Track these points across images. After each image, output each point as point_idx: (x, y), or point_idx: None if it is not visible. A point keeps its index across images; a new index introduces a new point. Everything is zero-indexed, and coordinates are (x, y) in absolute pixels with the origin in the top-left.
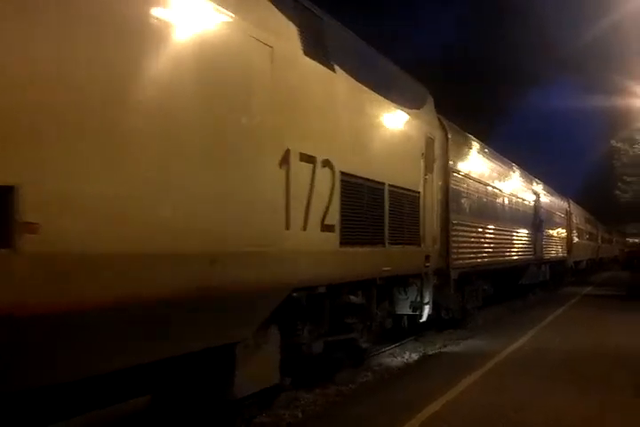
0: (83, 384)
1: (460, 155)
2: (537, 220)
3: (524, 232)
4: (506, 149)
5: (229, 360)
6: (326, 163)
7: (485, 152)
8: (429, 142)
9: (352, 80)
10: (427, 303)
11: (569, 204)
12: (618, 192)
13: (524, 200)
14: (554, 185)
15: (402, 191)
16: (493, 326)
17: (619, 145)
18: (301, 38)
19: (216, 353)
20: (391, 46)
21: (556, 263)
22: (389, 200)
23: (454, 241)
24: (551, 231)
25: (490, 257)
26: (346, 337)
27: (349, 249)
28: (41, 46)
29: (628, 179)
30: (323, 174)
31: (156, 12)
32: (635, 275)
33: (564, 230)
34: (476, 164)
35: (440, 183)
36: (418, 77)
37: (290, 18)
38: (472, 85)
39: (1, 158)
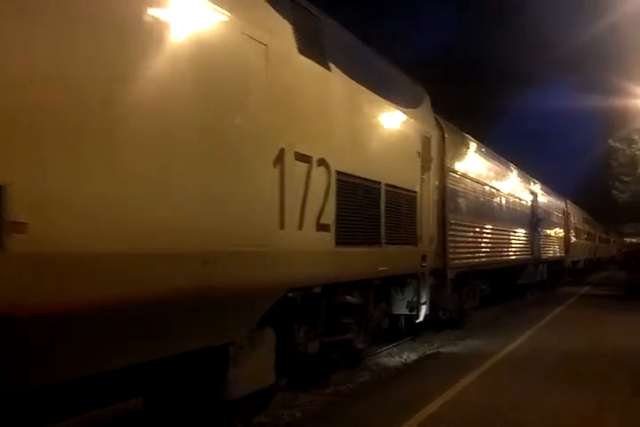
0: (68, 387)
1: (457, 154)
2: (534, 219)
3: (521, 232)
4: (504, 148)
5: (223, 361)
6: (322, 162)
7: (482, 152)
8: (426, 142)
9: (348, 79)
10: (423, 303)
11: (566, 203)
12: (615, 192)
13: (521, 200)
14: (551, 185)
15: (398, 191)
16: (491, 326)
17: (616, 145)
18: (297, 37)
19: (210, 354)
20: (390, 46)
21: (554, 263)
22: (386, 200)
23: (451, 241)
24: (549, 231)
25: (487, 257)
26: (342, 338)
27: (345, 249)
28: (41, 46)
29: (626, 179)
30: (318, 174)
31: (150, 10)
32: (632, 275)
33: (562, 230)
34: (473, 163)
35: (437, 183)
36: (416, 77)
37: (285, 16)
38: (469, 85)
39: None
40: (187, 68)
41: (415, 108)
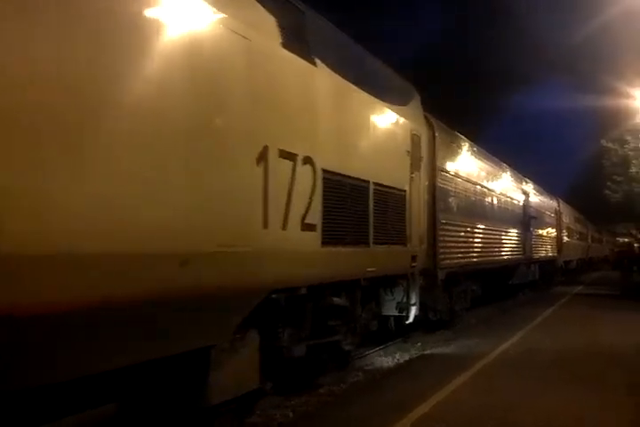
0: (39, 392)
1: (448, 153)
2: (526, 219)
3: (513, 232)
4: (496, 148)
5: (204, 365)
6: (307, 160)
7: (474, 151)
8: (416, 140)
9: (334, 75)
10: (413, 304)
11: (559, 203)
12: (608, 192)
13: (513, 200)
14: (544, 185)
15: (387, 190)
16: (483, 326)
17: (609, 145)
18: (280, 31)
19: (190, 357)
20: (384, 46)
21: (546, 263)
22: (374, 199)
23: (442, 241)
24: (541, 231)
25: (478, 257)
26: (329, 340)
27: (332, 249)
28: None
29: (618, 179)
30: (304, 172)
31: (133, 6)
32: (625, 275)
33: (554, 230)
34: (464, 162)
35: (427, 182)
36: (409, 77)
37: (269, 10)
38: (463, 85)
39: None
40: (164, 63)
41: (404, 105)
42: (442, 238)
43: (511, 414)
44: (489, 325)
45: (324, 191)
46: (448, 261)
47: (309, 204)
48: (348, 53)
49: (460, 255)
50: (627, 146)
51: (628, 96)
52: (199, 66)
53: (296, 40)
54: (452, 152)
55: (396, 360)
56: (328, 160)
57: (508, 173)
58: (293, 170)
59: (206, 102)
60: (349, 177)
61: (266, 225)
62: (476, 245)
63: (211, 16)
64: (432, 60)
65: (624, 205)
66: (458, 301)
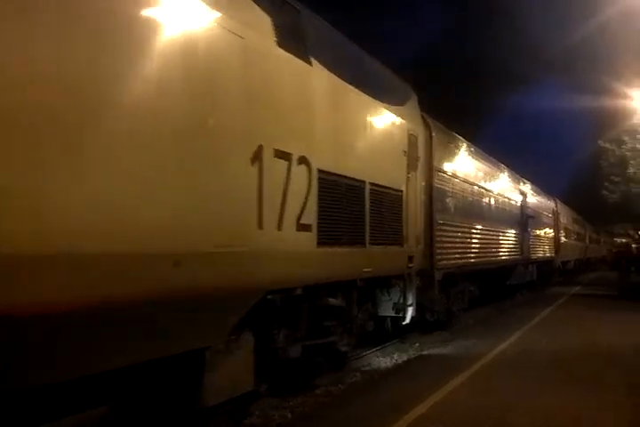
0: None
1: (445, 153)
2: (524, 220)
3: (510, 232)
4: (494, 148)
5: (199, 366)
6: (303, 160)
7: (471, 151)
8: (412, 140)
9: (330, 74)
10: (410, 305)
11: (556, 204)
12: (605, 192)
13: (510, 200)
14: (541, 185)
15: (383, 190)
16: (480, 326)
17: (606, 145)
18: (275, 30)
19: (185, 359)
20: (382, 46)
21: (544, 263)
22: (370, 199)
23: (439, 241)
24: (538, 231)
25: (476, 257)
26: (325, 341)
27: (328, 249)
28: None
29: (616, 179)
30: (299, 172)
31: (130, 4)
32: (623, 275)
33: (552, 230)
34: (461, 163)
35: (424, 182)
36: (407, 77)
37: (264, 9)
38: (461, 85)
39: None
40: (167, 64)
41: (401, 105)
42: (439, 239)
43: (509, 414)
44: (486, 325)
45: (319, 191)
46: (445, 262)
47: (305, 204)
48: (344, 53)
49: (457, 256)
50: (624, 146)
51: (625, 96)
52: (195, 65)
53: (292, 39)
54: (450, 152)
55: (393, 361)
56: (324, 160)
57: (506, 173)
58: (288, 170)
59: (201, 102)
60: (345, 177)
61: (260, 225)
62: (473, 245)
63: (206, 15)
64: (432, 60)
65: (622, 206)
66: (455, 301)
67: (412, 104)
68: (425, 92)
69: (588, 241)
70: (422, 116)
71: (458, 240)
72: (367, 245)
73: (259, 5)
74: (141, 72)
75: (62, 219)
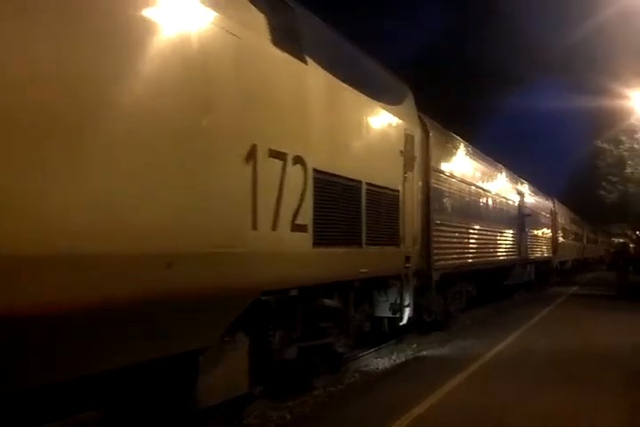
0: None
1: (443, 153)
2: (522, 220)
3: (508, 232)
4: (492, 148)
5: (193, 368)
6: (298, 160)
7: (469, 151)
8: (409, 140)
9: (326, 73)
10: (407, 306)
11: (554, 204)
12: (603, 192)
13: (508, 200)
14: (539, 185)
15: (380, 190)
16: (478, 327)
17: (604, 145)
18: (271, 28)
19: (178, 361)
20: (380, 46)
21: (542, 263)
22: (366, 199)
23: (436, 241)
24: (536, 231)
25: (473, 258)
26: (321, 342)
27: (323, 250)
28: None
29: (613, 179)
30: (294, 172)
31: (129, 4)
32: (621, 275)
33: (549, 230)
34: (458, 162)
35: (421, 182)
36: (405, 78)
37: (259, 7)
38: (460, 86)
39: None
40: (165, 64)
41: (398, 105)
42: (436, 239)
43: (507, 414)
44: (484, 325)
45: (315, 191)
46: (442, 262)
47: (300, 204)
48: (340, 52)
49: (454, 256)
50: (622, 146)
51: (623, 97)
52: (191, 65)
53: (287, 38)
54: (447, 152)
55: (391, 362)
56: (319, 160)
57: (504, 173)
58: (283, 170)
59: (197, 101)
60: (341, 177)
61: (255, 226)
62: (470, 245)
63: (201, 14)
64: (431, 60)
65: (619, 206)
66: (452, 302)
67: (409, 104)
68: (424, 91)
69: (585, 241)
70: (419, 116)
71: (455, 240)
72: (364, 245)
73: (253, 4)
74: (140, 72)
75: (62, 219)
